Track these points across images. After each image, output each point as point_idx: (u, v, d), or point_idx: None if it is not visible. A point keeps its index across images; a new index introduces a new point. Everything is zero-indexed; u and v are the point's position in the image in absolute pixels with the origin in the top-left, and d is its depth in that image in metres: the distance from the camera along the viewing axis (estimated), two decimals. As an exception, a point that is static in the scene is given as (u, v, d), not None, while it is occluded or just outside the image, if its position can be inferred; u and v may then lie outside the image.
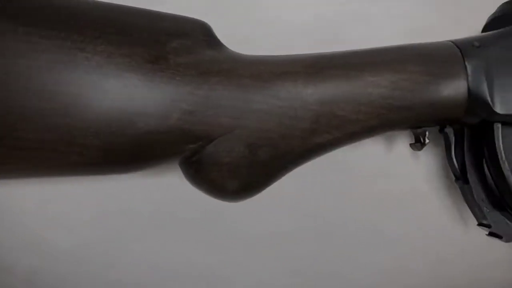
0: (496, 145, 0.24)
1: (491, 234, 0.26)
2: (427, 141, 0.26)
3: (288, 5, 0.31)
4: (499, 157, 0.24)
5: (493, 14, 0.27)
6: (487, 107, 0.23)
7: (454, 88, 0.23)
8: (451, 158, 0.26)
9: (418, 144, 0.26)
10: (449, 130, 0.26)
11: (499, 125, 0.23)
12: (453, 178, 0.27)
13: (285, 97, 0.22)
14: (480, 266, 0.31)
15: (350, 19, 0.31)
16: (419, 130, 0.25)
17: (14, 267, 0.29)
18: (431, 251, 0.31)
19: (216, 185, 0.23)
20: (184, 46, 0.22)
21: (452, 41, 0.24)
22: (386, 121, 0.23)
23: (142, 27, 0.22)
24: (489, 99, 0.22)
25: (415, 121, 0.24)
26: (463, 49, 0.23)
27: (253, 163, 0.22)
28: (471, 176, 0.26)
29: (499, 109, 0.22)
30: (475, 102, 0.23)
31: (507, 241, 0.26)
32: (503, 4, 0.27)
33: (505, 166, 0.24)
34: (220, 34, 0.30)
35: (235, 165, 0.22)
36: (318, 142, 0.23)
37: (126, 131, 0.21)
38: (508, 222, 0.26)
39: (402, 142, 0.31)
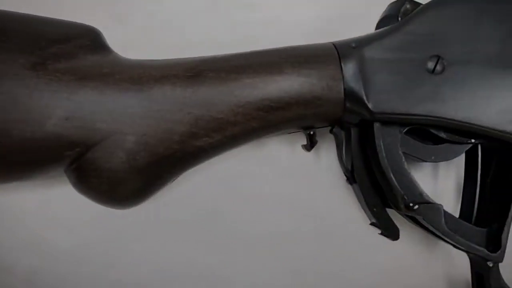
0: (376, 143, 0.24)
1: (382, 233, 0.26)
2: (315, 141, 0.26)
3: (288, 5, 0.31)
4: (380, 156, 0.24)
5: (382, 13, 0.27)
6: (364, 106, 0.23)
7: (329, 88, 0.23)
8: (341, 158, 0.26)
9: (307, 144, 0.26)
10: (338, 130, 0.26)
11: (378, 124, 0.24)
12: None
13: (163, 100, 0.22)
14: (480, 266, 0.31)
15: (350, 19, 0.31)
16: (309, 131, 0.25)
17: (14, 267, 0.29)
18: (431, 251, 0.31)
19: (98, 193, 0.22)
20: (65, 52, 0.22)
21: (333, 43, 0.24)
22: (266, 123, 0.23)
23: (22, 33, 0.22)
24: (364, 98, 0.23)
25: (296, 121, 0.24)
26: (341, 50, 0.23)
27: (132, 169, 0.22)
28: (360, 176, 0.26)
29: (374, 107, 0.23)
30: (351, 101, 0.23)
31: (394, 239, 0.26)
32: (389, 4, 0.26)
33: (385, 165, 0.24)
34: (220, 34, 0.31)
35: (115, 172, 0.22)
36: (199, 145, 0.22)
37: (2, 139, 0.20)
38: (393, 220, 0.26)
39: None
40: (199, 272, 0.30)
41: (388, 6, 0.26)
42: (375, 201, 0.26)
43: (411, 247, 0.30)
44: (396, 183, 0.23)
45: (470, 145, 0.24)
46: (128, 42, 0.30)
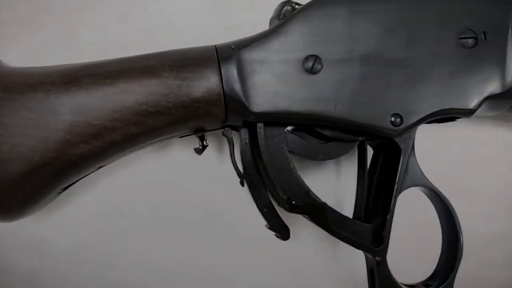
0: (260, 143, 0.24)
1: (276, 235, 0.26)
2: (206, 144, 0.25)
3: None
4: (263, 155, 0.24)
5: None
6: (244, 107, 0.23)
7: (209, 91, 0.23)
8: (233, 159, 0.26)
9: (198, 148, 0.26)
10: (228, 132, 0.26)
11: (261, 125, 0.24)
12: None
13: (37, 108, 0.21)
14: (480, 266, 0.31)
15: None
16: (200, 134, 0.25)
17: (14, 267, 0.29)
18: (431, 251, 0.31)
19: None
20: None
21: (215, 45, 0.24)
22: (146, 128, 0.23)
23: None
24: (244, 99, 0.23)
25: (179, 125, 0.23)
26: (220, 53, 0.23)
27: (5, 180, 0.21)
28: (250, 177, 0.26)
29: (254, 108, 0.23)
30: (232, 103, 0.23)
31: (284, 239, 0.26)
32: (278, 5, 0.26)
33: (269, 164, 0.24)
34: (220, 34, 0.30)
35: None
36: (78, 153, 0.22)
37: None
38: (280, 220, 0.26)
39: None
40: (199, 272, 0.30)
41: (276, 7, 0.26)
42: (265, 202, 0.26)
43: (411, 249, 0.30)
44: (280, 183, 0.23)
45: (357, 142, 0.25)
46: (128, 42, 0.30)
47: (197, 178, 0.30)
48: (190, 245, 0.30)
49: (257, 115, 0.23)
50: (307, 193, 0.24)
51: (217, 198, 0.30)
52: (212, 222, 0.30)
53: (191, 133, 0.25)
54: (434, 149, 0.31)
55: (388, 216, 0.24)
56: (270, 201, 0.26)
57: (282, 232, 0.26)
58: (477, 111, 0.23)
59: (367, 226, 0.25)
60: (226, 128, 0.25)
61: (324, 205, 0.24)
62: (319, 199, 0.24)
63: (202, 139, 0.25)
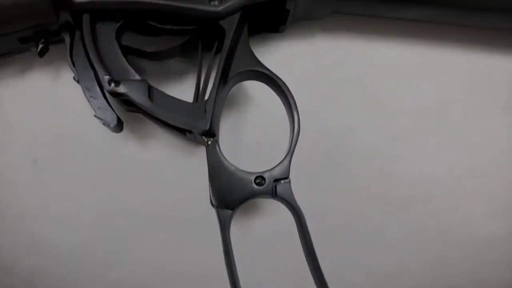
0: (84, 33, 0.24)
1: (104, 123, 0.26)
2: (47, 48, 0.25)
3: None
4: (86, 41, 0.24)
5: None
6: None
7: None
8: (68, 56, 0.26)
9: (39, 52, 0.26)
10: (65, 34, 0.26)
11: (88, 16, 0.24)
12: None
13: None
14: (480, 266, 0.31)
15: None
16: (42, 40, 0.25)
17: (14, 267, 0.29)
18: (431, 251, 0.31)
19: None
20: None
21: None
22: None
23: None
24: None
25: (14, 18, 0.23)
26: None
27: None
28: (84, 72, 0.25)
29: None
30: None
31: (111, 125, 0.25)
32: None
33: (91, 49, 0.23)
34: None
35: None
36: None
37: None
38: (109, 108, 0.26)
39: (403, 141, 0.31)
40: (199, 272, 0.30)
41: None
42: (94, 90, 0.26)
43: (411, 249, 0.30)
44: (101, 65, 0.23)
45: (187, 36, 0.25)
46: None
47: (197, 178, 0.30)
48: (190, 245, 0.30)
49: (79, 5, 0.23)
50: (133, 75, 0.24)
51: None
52: (212, 222, 0.30)
53: (33, 37, 0.25)
54: (435, 150, 0.31)
55: (211, 92, 0.24)
56: (101, 94, 0.26)
57: (109, 118, 0.25)
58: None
59: (198, 105, 0.24)
60: (64, 31, 0.25)
61: (145, 82, 0.24)
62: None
63: (38, 40, 0.25)
